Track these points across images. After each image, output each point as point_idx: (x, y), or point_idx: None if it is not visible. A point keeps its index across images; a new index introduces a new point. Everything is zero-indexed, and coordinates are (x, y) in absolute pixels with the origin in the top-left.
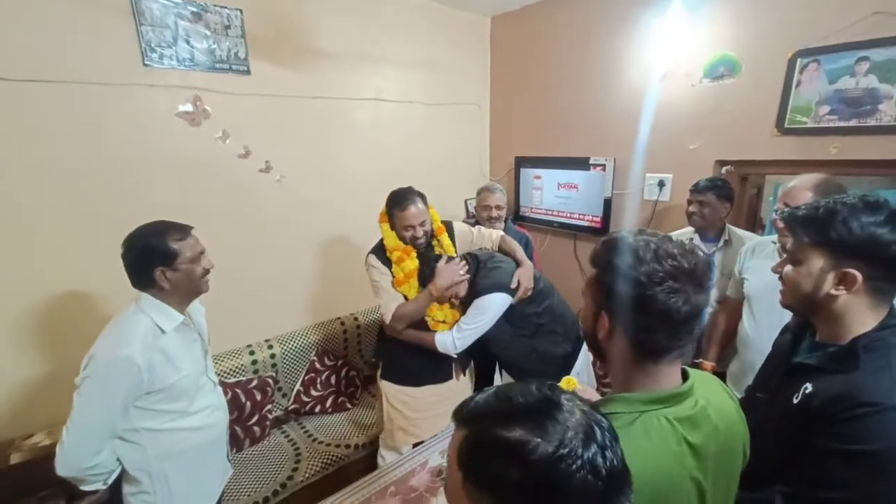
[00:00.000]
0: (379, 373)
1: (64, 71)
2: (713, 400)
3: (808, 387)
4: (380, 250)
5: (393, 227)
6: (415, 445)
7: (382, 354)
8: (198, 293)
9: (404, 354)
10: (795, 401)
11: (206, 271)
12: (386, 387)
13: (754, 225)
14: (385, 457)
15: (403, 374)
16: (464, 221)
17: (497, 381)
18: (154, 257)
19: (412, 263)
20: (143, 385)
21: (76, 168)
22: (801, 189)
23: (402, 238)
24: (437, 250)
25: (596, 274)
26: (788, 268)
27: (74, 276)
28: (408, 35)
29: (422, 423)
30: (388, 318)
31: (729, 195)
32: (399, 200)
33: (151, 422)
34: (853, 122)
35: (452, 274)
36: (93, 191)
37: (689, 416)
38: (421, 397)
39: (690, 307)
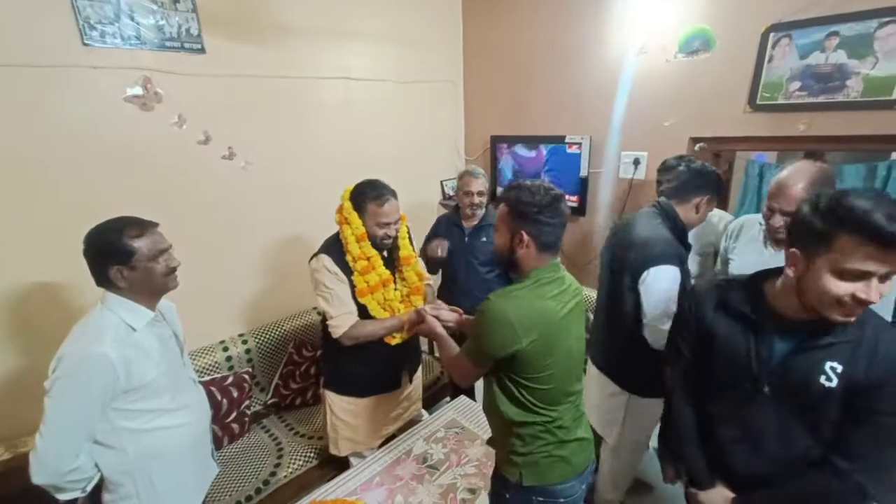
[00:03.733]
0: (322, 380)
1: None
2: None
3: (836, 366)
4: (336, 252)
5: (363, 224)
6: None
7: (326, 363)
8: (163, 291)
9: (349, 364)
10: (830, 384)
11: (171, 269)
12: (330, 397)
13: (726, 201)
14: (352, 462)
15: (349, 385)
16: (441, 203)
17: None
18: (109, 256)
19: (377, 276)
20: (120, 383)
21: (16, 158)
22: (792, 187)
23: (372, 236)
24: (403, 252)
25: (509, 211)
26: (884, 286)
27: (23, 278)
28: (377, 9)
29: (370, 432)
30: (339, 333)
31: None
32: (377, 194)
33: (132, 423)
34: (822, 98)
35: (434, 326)
36: (36, 183)
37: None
38: (368, 406)
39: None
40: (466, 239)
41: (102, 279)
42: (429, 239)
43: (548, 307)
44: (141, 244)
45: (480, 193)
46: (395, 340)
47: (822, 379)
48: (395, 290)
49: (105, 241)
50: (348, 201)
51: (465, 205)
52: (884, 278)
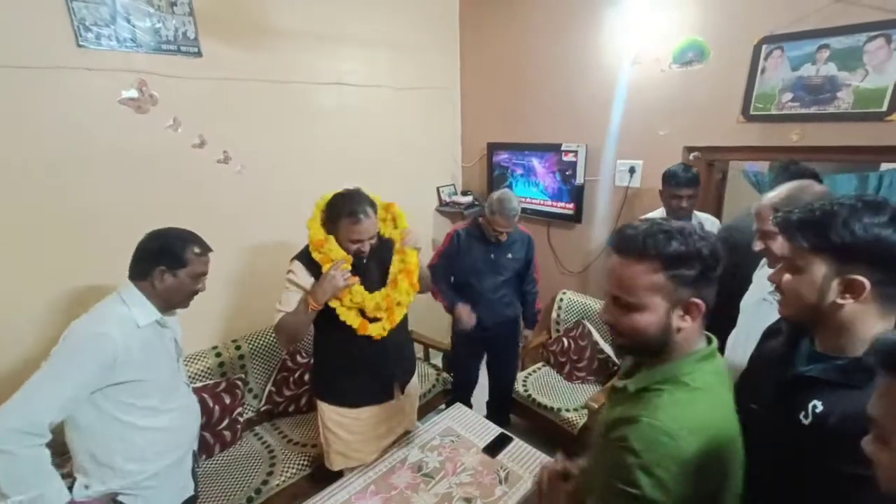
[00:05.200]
0: (314, 391)
1: None
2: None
3: (818, 405)
4: (310, 260)
5: (336, 236)
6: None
7: (316, 371)
8: (177, 306)
9: (341, 373)
10: (805, 421)
11: (196, 292)
12: (321, 408)
13: (719, 209)
14: (346, 471)
15: (340, 395)
16: (438, 210)
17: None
18: (165, 256)
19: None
20: (116, 368)
21: (7, 160)
22: (768, 208)
23: (344, 249)
24: (401, 266)
25: (670, 279)
26: (787, 277)
27: (10, 281)
28: (374, 15)
29: (362, 445)
30: (275, 322)
31: (700, 182)
32: (350, 211)
33: (123, 416)
34: (813, 109)
35: (335, 281)
36: (24, 188)
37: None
38: (360, 419)
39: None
40: (492, 256)
41: (142, 273)
42: (443, 257)
43: (721, 417)
44: (195, 261)
45: (509, 233)
46: (375, 330)
47: (801, 415)
48: (369, 292)
49: (170, 244)
50: (324, 212)
51: (490, 235)
52: (788, 269)
